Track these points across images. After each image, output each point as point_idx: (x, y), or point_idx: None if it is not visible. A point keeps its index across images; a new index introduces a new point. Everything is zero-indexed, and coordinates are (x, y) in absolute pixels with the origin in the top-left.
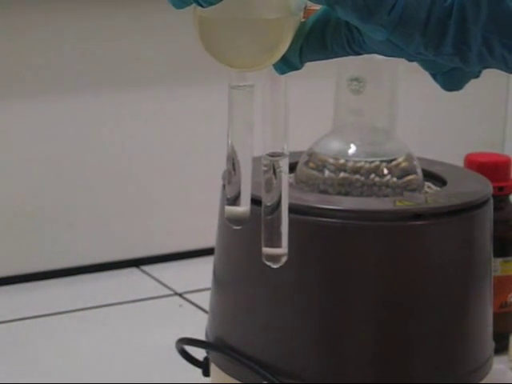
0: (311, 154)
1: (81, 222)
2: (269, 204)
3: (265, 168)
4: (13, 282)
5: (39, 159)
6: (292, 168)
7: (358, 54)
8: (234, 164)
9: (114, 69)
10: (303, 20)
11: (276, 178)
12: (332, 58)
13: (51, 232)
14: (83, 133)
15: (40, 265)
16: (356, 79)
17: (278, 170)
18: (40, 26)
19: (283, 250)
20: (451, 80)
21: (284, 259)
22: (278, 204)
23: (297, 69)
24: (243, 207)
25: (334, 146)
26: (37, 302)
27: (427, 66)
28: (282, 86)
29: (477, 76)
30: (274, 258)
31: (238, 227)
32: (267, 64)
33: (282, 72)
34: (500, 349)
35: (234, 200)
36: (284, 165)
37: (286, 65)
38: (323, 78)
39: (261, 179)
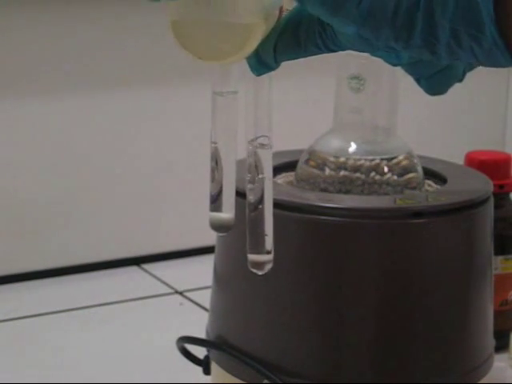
0: (311, 153)
1: (81, 220)
2: (252, 201)
3: (249, 159)
4: (13, 280)
5: (40, 157)
6: (292, 166)
7: (332, 50)
8: (216, 162)
9: (125, 67)
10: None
11: (258, 174)
12: (306, 56)
13: (52, 230)
14: (83, 131)
15: (40, 263)
16: (356, 77)
17: (260, 176)
18: (40, 26)
19: (268, 256)
20: (435, 84)
21: (269, 266)
22: (261, 200)
23: (272, 68)
24: (227, 214)
25: (335, 144)
26: (37, 301)
27: (411, 70)
28: (266, 88)
29: (460, 80)
30: (259, 265)
31: (222, 234)
32: (236, 59)
33: (258, 73)
34: (500, 347)
35: (217, 197)
36: (268, 156)
37: (261, 65)
38: (323, 76)
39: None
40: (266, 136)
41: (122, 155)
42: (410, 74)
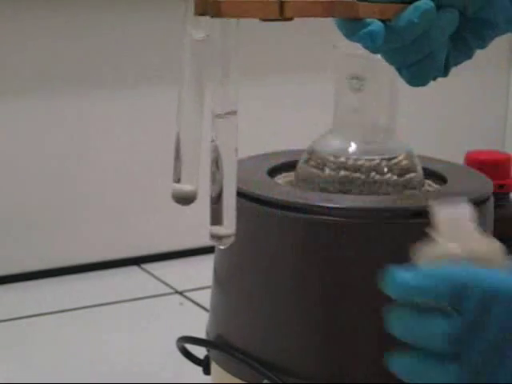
0: (311, 153)
1: (81, 220)
2: (213, 195)
3: (212, 144)
4: (13, 280)
5: (39, 157)
6: (292, 166)
7: None
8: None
9: (124, 68)
10: None
11: (219, 169)
12: None
13: (51, 230)
14: (82, 132)
15: (40, 263)
16: (356, 77)
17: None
18: (38, 25)
19: (228, 229)
20: (415, 74)
21: (230, 240)
22: (221, 192)
23: None
24: (191, 186)
25: (334, 144)
26: (37, 301)
27: (390, 59)
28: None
29: (444, 75)
30: (219, 238)
31: (185, 205)
32: None
33: None
34: None
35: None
36: (234, 123)
37: None
38: (323, 76)
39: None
40: (234, 109)
41: (122, 155)
42: (390, 63)
